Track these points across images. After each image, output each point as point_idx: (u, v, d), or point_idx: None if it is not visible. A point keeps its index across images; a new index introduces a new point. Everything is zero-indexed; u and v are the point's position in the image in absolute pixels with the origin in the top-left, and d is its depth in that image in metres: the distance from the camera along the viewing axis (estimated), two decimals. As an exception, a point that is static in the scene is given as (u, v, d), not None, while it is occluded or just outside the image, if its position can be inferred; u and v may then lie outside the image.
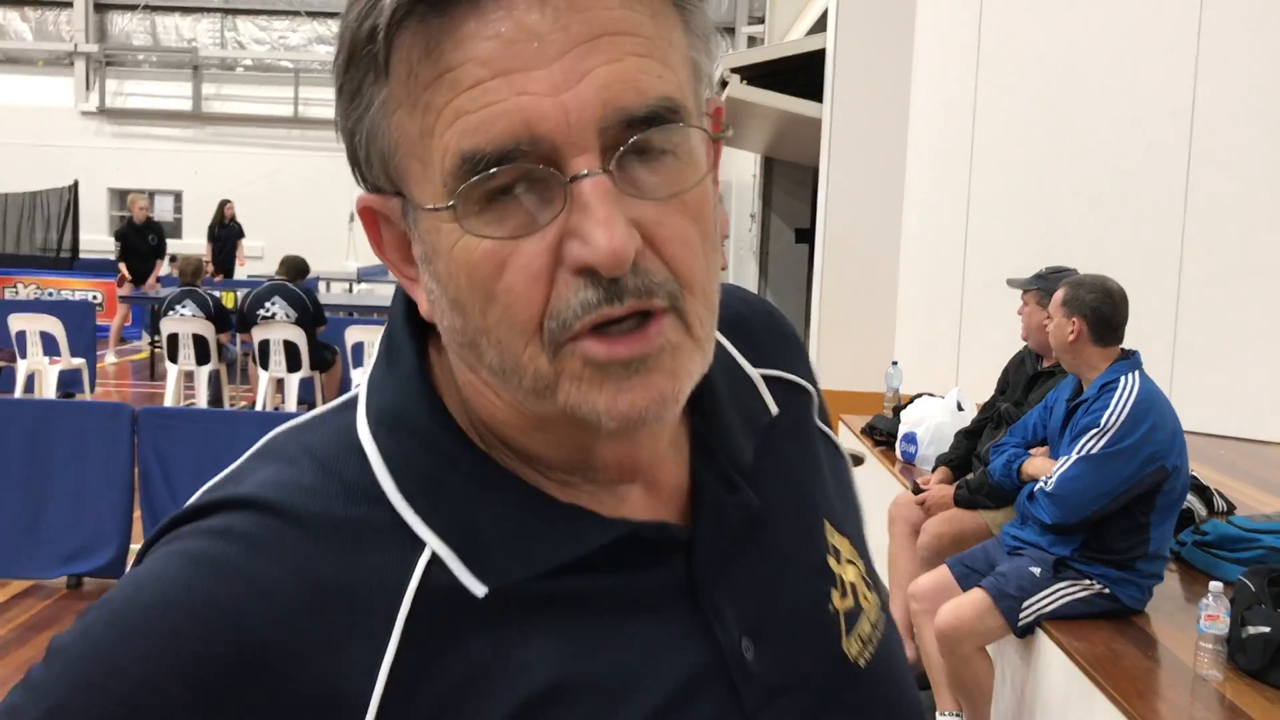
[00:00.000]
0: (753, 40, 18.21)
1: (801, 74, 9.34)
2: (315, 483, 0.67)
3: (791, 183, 13.55)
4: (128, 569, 0.68)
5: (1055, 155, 7.34)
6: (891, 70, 8.06)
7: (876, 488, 5.55)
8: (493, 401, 0.68)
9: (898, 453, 5.64)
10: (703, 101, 0.66)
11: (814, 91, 8.78)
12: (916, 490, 4.64)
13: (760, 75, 9.64)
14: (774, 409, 0.80)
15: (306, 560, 0.64)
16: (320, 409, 0.74)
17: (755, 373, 0.80)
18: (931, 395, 5.89)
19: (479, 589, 0.66)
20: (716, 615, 0.70)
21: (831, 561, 0.78)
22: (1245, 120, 6.70)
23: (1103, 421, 3.50)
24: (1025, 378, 4.46)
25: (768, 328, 0.85)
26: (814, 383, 0.86)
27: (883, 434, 5.99)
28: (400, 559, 0.66)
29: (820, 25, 9.44)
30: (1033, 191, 7.41)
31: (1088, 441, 3.50)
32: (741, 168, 14.52)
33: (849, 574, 0.78)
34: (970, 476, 4.23)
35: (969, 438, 4.60)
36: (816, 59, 8.64)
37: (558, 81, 0.59)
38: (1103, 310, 3.64)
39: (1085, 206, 7.21)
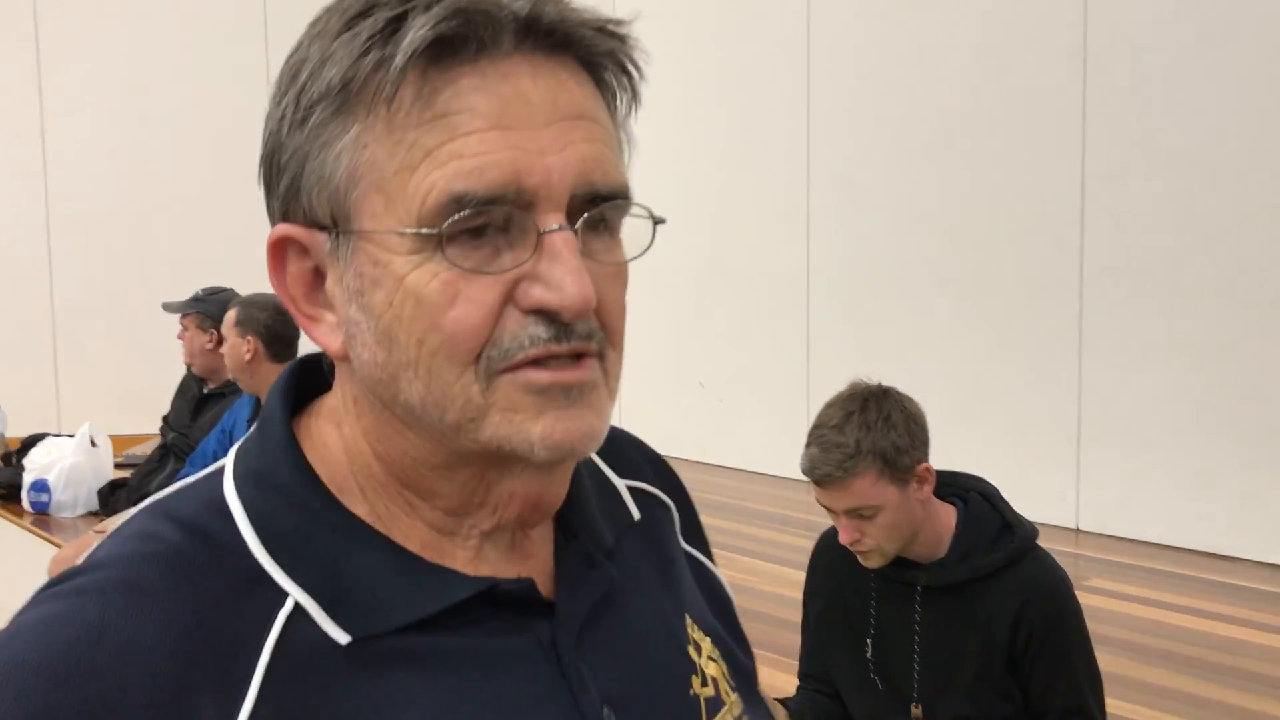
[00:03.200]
0: None
1: None
2: (175, 539, 0.68)
3: None
4: None
5: (132, 167, 7.13)
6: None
7: (13, 549, 4.91)
8: (398, 443, 0.71)
9: (26, 504, 5.04)
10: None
11: None
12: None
13: None
14: (636, 514, 0.86)
15: (162, 614, 0.64)
16: (185, 481, 0.75)
17: (621, 483, 0.87)
18: (56, 435, 5.36)
19: (342, 638, 0.67)
20: (578, 680, 0.73)
21: (692, 652, 0.82)
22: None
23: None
24: (191, 402, 4.30)
25: (636, 448, 0.93)
26: (680, 500, 0.93)
27: (1, 486, 5.30)
28: (261, 612, 0.66)
29: None
30: (113, 209, 7.10)
31: (240, 445, 3.53)
32: None
33: (710, 668, 0.82)
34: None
35: (144, 476, 4.30)
36: None
37: (545, 145, 0.66)
38: (276, 327, 3.68)
39: (172, 215, 7.13)
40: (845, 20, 6.11)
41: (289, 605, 0.67)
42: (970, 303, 5.62)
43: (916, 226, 5.82)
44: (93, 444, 5.12)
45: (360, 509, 0.72)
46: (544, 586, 0.75)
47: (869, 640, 2.20)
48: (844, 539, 2.08)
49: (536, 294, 0.66)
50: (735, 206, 6.54)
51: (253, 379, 3.67)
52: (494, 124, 0.65)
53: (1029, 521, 2.18)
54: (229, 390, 4.11)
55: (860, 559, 2.12)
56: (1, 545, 5.10)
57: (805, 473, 2.08)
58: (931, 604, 2.13)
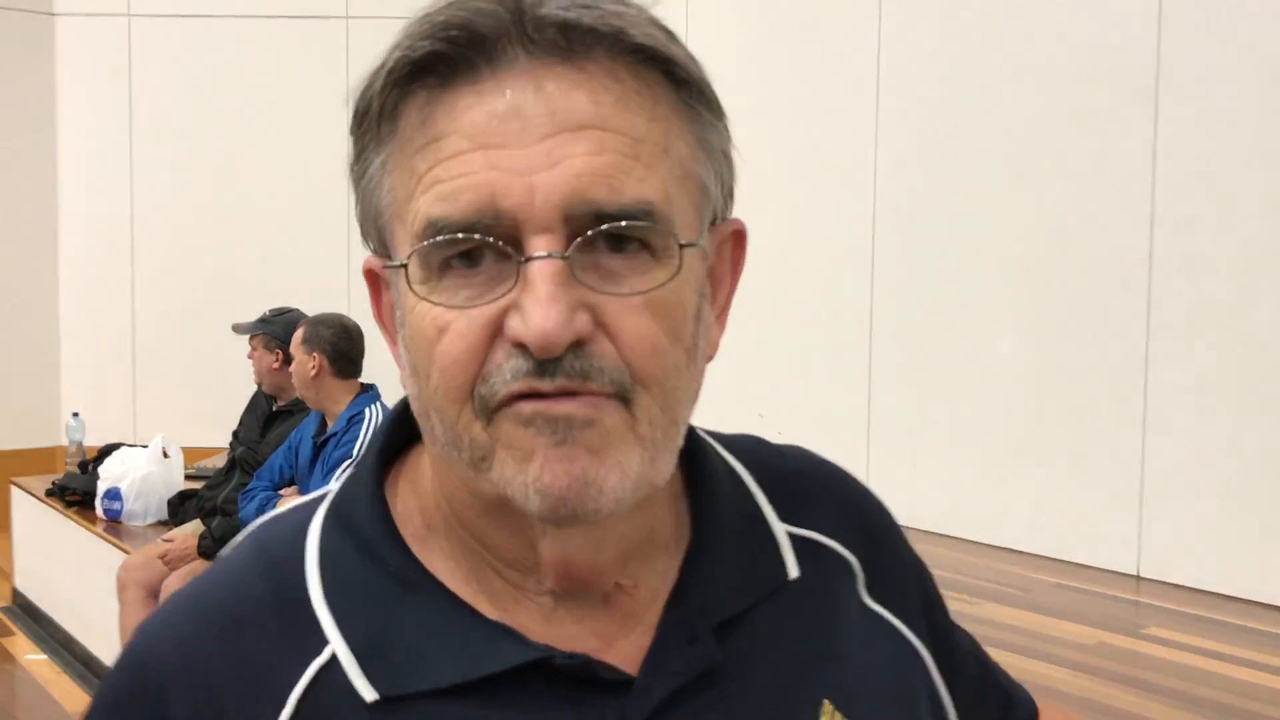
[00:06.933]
0: None
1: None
2: (243, 579, 0.68)
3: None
4: None
5: (217, 189, 7.32)
6: (29, 85, 7.37)
7: (85, 555, 5.07)
8: (451, 484, 0.66)
9: (100, 512, 5.19)
10: (705, 215, 0.65)
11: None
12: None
13: None
14: (793, 572, 0.73)
15: (206, 654, 0.65)
16: (296, 503, 0.75)
17: (782, 529, 0.74)
18: (130, 445, 5.52)
19: (369, 694, 0.63)
20: None
21: None
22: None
23: (354, 453, 3.62)
24: (260, 419, 4.42)
25: (827, 487, 0.79)
26: (871, 552, 0.77)
27: (77, 493, 5.46)
28: (300, 657, 0.65)
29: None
30: (197, 225, 7.30)
31: (344, 473, 3.61)
32: None
33: None
34: (214, 525, 4.09)
35: (211, 489, 4.43)
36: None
37: (533, 163, 0.58)
38: (341, 345, 3.78)
39: (253, 237, 7.30)
40: (915, 56, 6.12)
41: (325, 655, 0.64)
42: (1034, 343, 5.57)
43: (982, 264, 5.79)
44: (165, 455, 5.25)
45: (437, 557, 0.67)
46: (634, 657, 0.66)
47: None
48: None
49: (513, 325, 0.58)
50: (799, 239, 6.55)
51: (318, 394, 3.78)
52: (477, 144, 0.58)
53: None
54: (297, 409, 4.21)
55: None
56: (75, 550, 5.26)
57: None
58: None
